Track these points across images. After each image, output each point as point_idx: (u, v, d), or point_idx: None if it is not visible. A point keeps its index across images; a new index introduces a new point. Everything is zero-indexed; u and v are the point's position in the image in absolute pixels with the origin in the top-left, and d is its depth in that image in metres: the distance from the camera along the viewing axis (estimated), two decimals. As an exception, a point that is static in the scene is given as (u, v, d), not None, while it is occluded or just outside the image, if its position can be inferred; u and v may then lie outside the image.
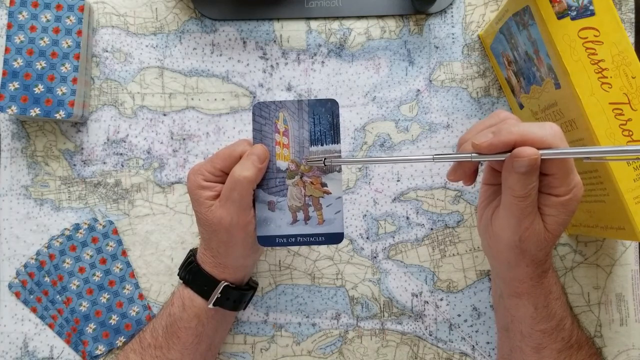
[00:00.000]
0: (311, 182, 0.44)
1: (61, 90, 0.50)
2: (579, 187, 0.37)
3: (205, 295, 0.45)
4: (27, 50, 0.50)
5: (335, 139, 0.44)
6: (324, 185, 0.44)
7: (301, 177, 0.44)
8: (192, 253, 0.48)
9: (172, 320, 0.45)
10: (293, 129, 0.44)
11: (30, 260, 0.52)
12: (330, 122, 0.44)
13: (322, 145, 0.44)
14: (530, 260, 0.39)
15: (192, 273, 0.46)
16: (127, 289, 0.52)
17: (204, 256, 0.46)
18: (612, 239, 0.53)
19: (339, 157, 0.44)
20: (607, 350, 0.52)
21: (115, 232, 0.53)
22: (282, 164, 0.44)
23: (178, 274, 0.48)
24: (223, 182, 0.43)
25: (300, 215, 0.44)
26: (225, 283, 0.45)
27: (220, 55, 0.54)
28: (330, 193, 0.44)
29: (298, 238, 0.44)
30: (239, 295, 0.47)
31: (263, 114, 0.44)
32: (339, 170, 0.44)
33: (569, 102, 0.42)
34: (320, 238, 0.44)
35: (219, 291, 0.45)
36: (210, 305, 0.45)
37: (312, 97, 0.54)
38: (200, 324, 0.45)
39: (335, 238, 0.44)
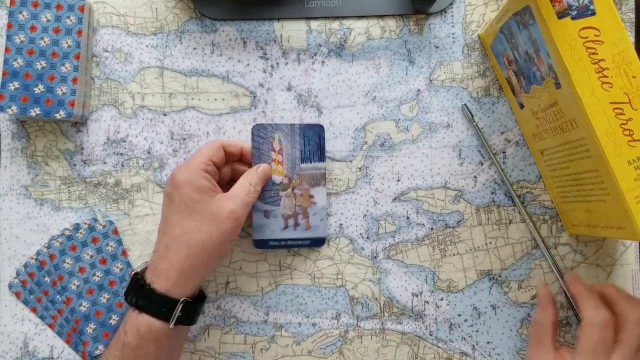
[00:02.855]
0: (301, 194, 0.51)
1: (61, 90, 0.50)
2: None
3: (164, 317, 0.43)
4: (27, 50, 0.50)
5: (322, 158, 0.52)
6: (311, 196, 0.51)
7: (292, 190, 0.51)
8: (139, 276, 0.45)
9: (127, 351, 0.43)
10: (286, 148, 0.51)
11: (30, 260, 0.52)
12: (317, 144, 0.52)
13: (310, 162, 0.51)
14: None
15: (146, 297, 0.43)
16: (127, 289, 0.52)
17: (168, 268, 0.43)
18: (613, 239, 0.53)
19: (324, 174, 0.52)
20: (608, 350, 0.52)
21: (116, 232, 0.53)
22: (277, 177, 0.51)
23: (127, 300, 0.45)
24: (212, 176, 0.46)
25: (291, 221, 0.51)
26: (184, 299, 0.43)
27: (221, 55, 0.54)
28: (317, 203, 0.51)
29: (288, 241, 0.51)
30: (195, 308, 0.45)
31: (261, 134, 0.51)
32: (324, 185, 0.52)
33: (569, 102, 0.42)
34: (306, 241, 0.52)
35: (179, 309, 0.43)
36: (172, 326, 0.43)
37: (313, 97, 0.54)
38: (160, 347, 0.43)
39: (318, 241, 0.52)
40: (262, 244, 0.51)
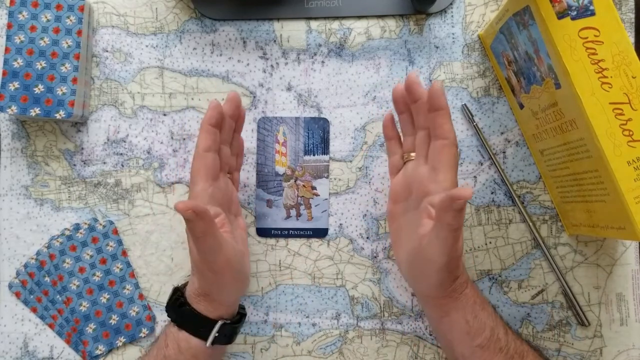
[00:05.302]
0: (303, 186, 0.52)
1: (61, 90, 0.50)
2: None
3: (202, 336, 0.44)
4: (27, 50, 0.50)
5: (325, 150, 0.53)
6: (314, 188, 0.53)
7: (295, 181, 0.53)
8: (180, 293, 0.46)
9: None
10: (290, 141, 0.53)
11: (30, 260, 0.52)
12: (321, 137, 0.53)
13: (313, 155, 0.53)
14: (454, 276, 0.43)
15: (185, 315, 0.44)
16: (127, 289, 0.52)
17: (199, 296, 0.44)
18: (613, 239, 0.53)
19: (327, 166, 0.53)
20: (607, 350, 0.52)
21: (115, 232, 0.53)
22: (280, 169, 0.53)
23: (168, 315, 0.46)
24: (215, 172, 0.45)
25: (293, 212, 0.53)
26: (222, 322, 0.44)
27: (220, 55, 0.54)
28: (319, 195, 0.53)
29: (290, 231, 0.53)
30: (233, 329, 0.46)
31: (266, 127, 0.53)
32: (327, 177, 0.53)
33: (569, 102, 0.42)
34: (308, 232, 0.53)
35: (217, 330, 0.44)
36: (209, 345, 0.44)
37: (313, 97, 0.54)
38: None
39: (321, 232, 0.53)
40: (265, 232, 0.53)
